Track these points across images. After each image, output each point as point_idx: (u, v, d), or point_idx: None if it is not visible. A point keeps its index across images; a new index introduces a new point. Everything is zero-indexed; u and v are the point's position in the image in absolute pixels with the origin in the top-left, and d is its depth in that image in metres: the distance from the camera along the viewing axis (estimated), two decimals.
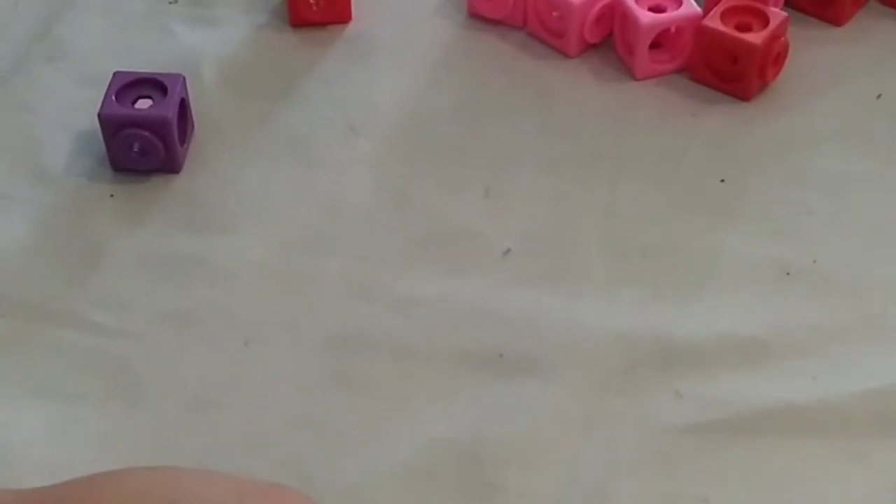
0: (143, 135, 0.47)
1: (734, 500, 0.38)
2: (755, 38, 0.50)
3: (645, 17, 0.51)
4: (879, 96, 0.51)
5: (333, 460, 0.39)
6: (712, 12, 0.51)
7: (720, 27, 0.51)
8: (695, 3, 0.52)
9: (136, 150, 0.48)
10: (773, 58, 0.51)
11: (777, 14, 0.51)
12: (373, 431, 0.40)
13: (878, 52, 0.53)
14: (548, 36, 0.54)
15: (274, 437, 0.40)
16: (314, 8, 0.55)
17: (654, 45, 0.52)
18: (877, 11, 0.55)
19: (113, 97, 0.48)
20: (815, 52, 0.53)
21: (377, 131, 0.50)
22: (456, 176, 0.49)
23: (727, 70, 0.51)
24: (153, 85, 0.49)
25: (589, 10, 0.52)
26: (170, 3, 0.56)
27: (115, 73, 0.49)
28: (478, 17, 0.55)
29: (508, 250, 0.46)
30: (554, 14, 0.54)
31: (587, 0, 0.52)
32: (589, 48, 0.54)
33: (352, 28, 0.55)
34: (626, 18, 0.52)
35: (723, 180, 0.48)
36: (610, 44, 0.54)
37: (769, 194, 0.47)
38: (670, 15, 0.51)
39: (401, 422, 0.40)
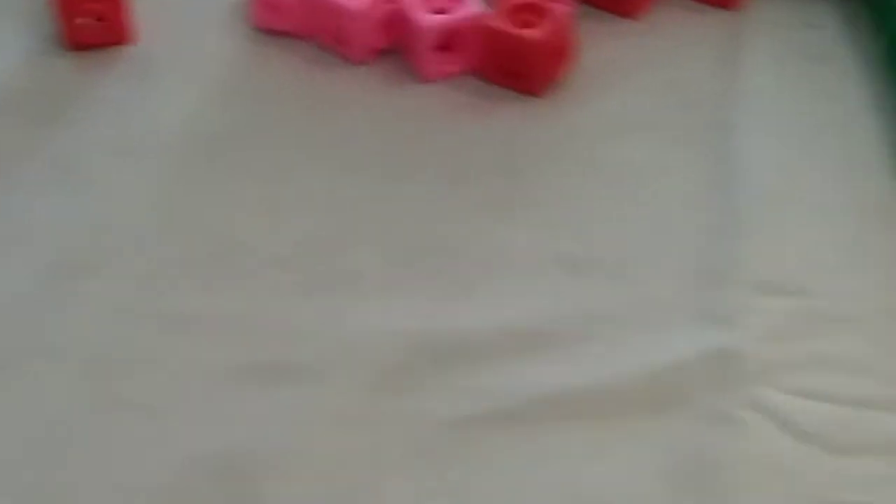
0: None
1: (502, 487, 0.36)
2: (537, 34, 0.49)
3: (425, 19, 0.50)
4: (669, 86, 0.50)
5: (90, 485, 0.36)
6: (494, 11, 0.50)
7: (502, 26, 0.50)
8: (479, 4, 0.51)
9: None
10: (557, 53, 0.50)
11: (559, 9, 0.50)
12: (132, 453, 0.37)
13: (670, 44, 0.52)
14: (334, 45, 0.53)
15: (26, 464, 0.37)
16: (89, 30, 0.52)
17: (442, 48, 0.51)
18: (673, 4, 0.54)
19: None
20: (607, 47, 0.52)
21: (156, 151, 0.48)
22: (235, 190, 0.46)
23: (514, 68, 0.50)
24: None
25: (370, 16, 0.51)
26: None
27: None
28: (265, 30, 0.54)
29: (283, 260, 0.44)
30: (337, 22, 0.52)
31: (367, 6, 0.51)
32: (378, 54, 0.53)
33: (133, 49, 0.53)
34: (409, 22, 0.51)
35: (511, 177, 0.47)
36: (401, 48, 0.53)
37: (555, 186, 0.46)
38: (451, 16, 0.50)
39: (162, 441, 0.38)
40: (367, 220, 0.45)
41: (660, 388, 0.39)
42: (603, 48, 0.52)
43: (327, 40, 0.53)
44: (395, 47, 0.52)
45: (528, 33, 0.49)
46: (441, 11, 0.51)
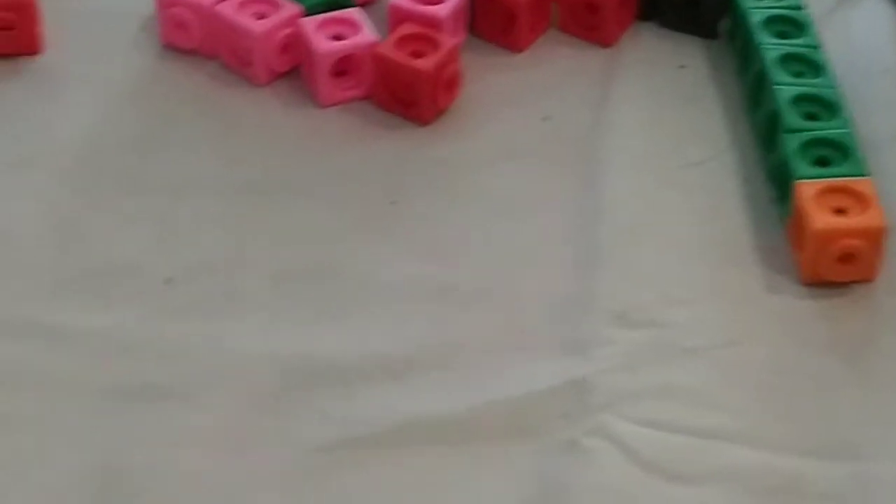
0: None
1: None
2: (425, 63, 0.52)
3: (322, 44, 0.52)
4: (545, 119, 0.53)
5: None
6: (387, 40, 0.53)
7: (392, 54, 0.52)
8: (372, 31, 0.54)
9: None
10: (444, 83, 0.53)
11: (448, 41, 0.53)
12: (6, 468, 0.40)
13: (551, 78, 0.55)
14: (238, 65, 0.55)
15: None
16: None
17: (340, 73, 0.54)
18: (556, 39, 0.57)
19: None
20: (491, 79, 0.55)
21: (52, 164, 0.50)
22: (129, 206, 0.49)
23: (403, 96, 0.53)
24: None
25: (272, 39, 0.53)
26: None
27: None
28: (172, 48, 0.56)
29: (170, 279, 0.46)
30: (240, 43, 0.55)
31: (270, 29, 0.53)
32: (279, 77, 0.55)
33: (40, 60, 0.55)
34: (307, 47, 0.53)
35: (393, 202, 0.50)
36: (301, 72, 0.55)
37: (435, 215, 0.49)
38: (346, 43, 0.53)
39: (39, 458, 0.40)
40: (256, 241, 0.48)
41: (515, 417, 0.41)
42: (486, 80, 0.55)
43: (231, 60, 0.55)
44: (297, 70, 0.55)
45: (419, 63, 0.52)
46: (339, 37, 0.53)
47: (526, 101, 0.54)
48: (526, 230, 0.48)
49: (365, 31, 0.53)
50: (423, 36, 0.53)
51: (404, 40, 0.53)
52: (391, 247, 0.48)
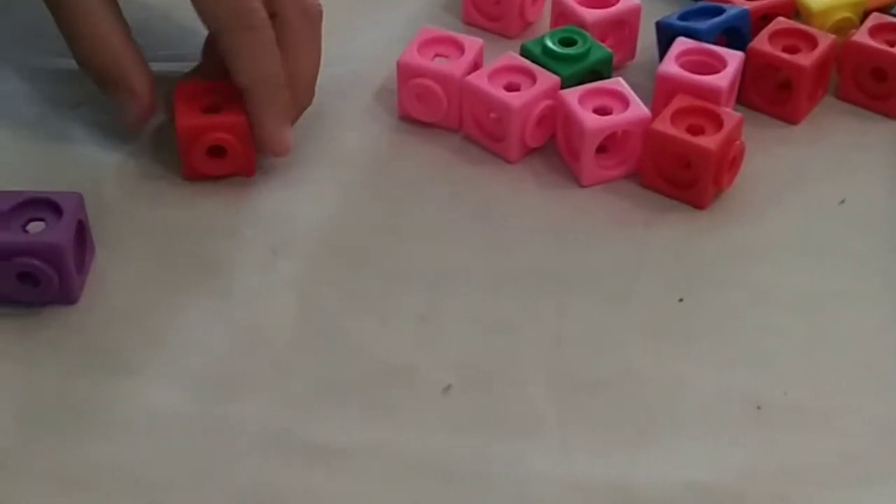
0: (34, 263, 0.42)
1: None
2: (709, 142, 0.46)
3: (590, 120, 0.47)
4: (842, 202, 0.47)
5: None
6: (662, 114, 0.48)
7: (671, 131, 0.47)
8: (642, 105, 0.48)
9: (25, 280, 0.42)
10: (728, 163, 0.47)
11: (732, 115, 0.47)
12: None
13: (838, 153, 0.50)
14: (485, 140, 0.50)
15: None
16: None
17: (601, 149, 0.48)
18: (834, 108, 0.52)
19: None
20: (770, 154, 0.49)
21: (299, 251, 0.46)
22: (387, 300, 0.44)
23: (679, 176, 0.48)
24: (45, 205, 0.43)
25: (530, 113, 0.48)
26: (71, 108, 0.51)
27: None
28: (410, 120, 0.51)
29: (449, 386, 0.41)
30: (492, 116, 0.50)
31: (528, 101, 0.48)
32: (530, 152, 0.50)
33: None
34: (570, 121, 0.48)
35: (681, 299, 0.44)
36: (553, 146, 0.50)
37: (731, 315, 0.43)
38: (617, 118, 0.48)
39: None
40: (533, 344, 0.42)
41: None
42: (765, 156, 0.49)
43: (478, 135, 0.50)
44: (548, 145, 0.50)
45: (702, 141, 0.46)
46: (605, 110, 0.48)
47: (815, 179, 0.48)
48: (841, 334, 0.42)
49: (634, 104, 0.48)
50: (701, 109, 0.48)
51: (680, 114, 0.48)
52: (688, 352, 0.42)
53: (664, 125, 0.47)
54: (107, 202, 0.47)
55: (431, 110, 0.51)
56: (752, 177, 0.48)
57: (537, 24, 0.56)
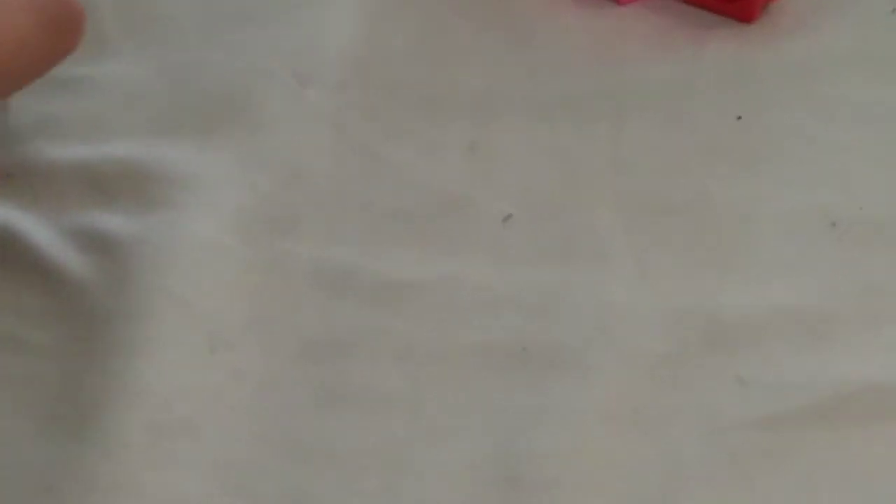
0: None
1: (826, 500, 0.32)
2: None
3: None
4: (894, 10, 0.45)
5: (346, 498, 0.32)
6: None
7: None
8: None
9: None
10: None
11: None
12: (386, 457, 0.33)
13: None
14: None
15: (259, 471, 0.33)
16: None
17: None
18: None
19: None
20: None
21: (328, 80, 0.42)
22: (432, 130, 0.41)
23: None
24: None
25: None
26: None
27: None
28: None
29: (509, 216, 0.38)
30: None
31: None
32: None
33: None
34: None
35: (739, 117, 0.42)
36: None
37: (794, 133, 0.41)
38: None
39: (418, 441, 0.33)
40: (592, 168, 0.40)
41: None
42: None
43: None
44: None
45: None
46: None
47: None
48: None
49: None
50: None
51: None
52: (754, 172, 0.40)
53: None
54: None
55: None
56: None
57: None
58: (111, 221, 0.37)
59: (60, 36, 0.31)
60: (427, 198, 0.39)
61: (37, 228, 0.37)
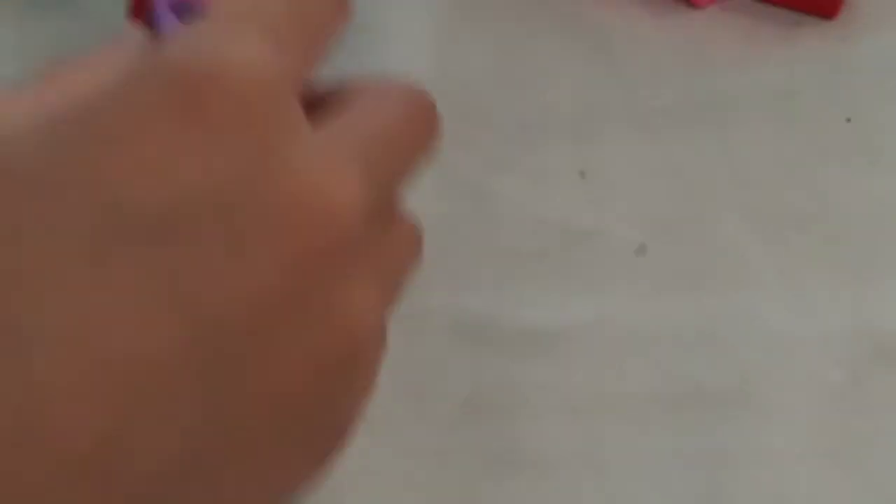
0: None
1: None
2: None
3: None
4: None
5: None
6: None
7: None
8: None
9: None
10: None
11: None
12: None
13: None
14: None
15: None
16: None
17: None
18: None
19: None
20: None
21: None
22: (536, 158, 0.38)
23: None
24: None
25: None
26: None
27: None
28: None
29: (642, 245, 0.36)
30: None
31: None
32: None
33: None
34: None
35: (848, 119, 0.40)
36: None
37: None
38: None
39: (611, 502, 0.30)
40: (711, 183, 0.38)
41: None
42: None
43: None
44: None
45: None
46: None
47: None
48: None
49: None
50: None
51: None
52: (880, 176, 0.38)
53: None
54: None
55: None
56: None
57: None
58: None
59: None
60: (551, 233, 0.36)
61: None
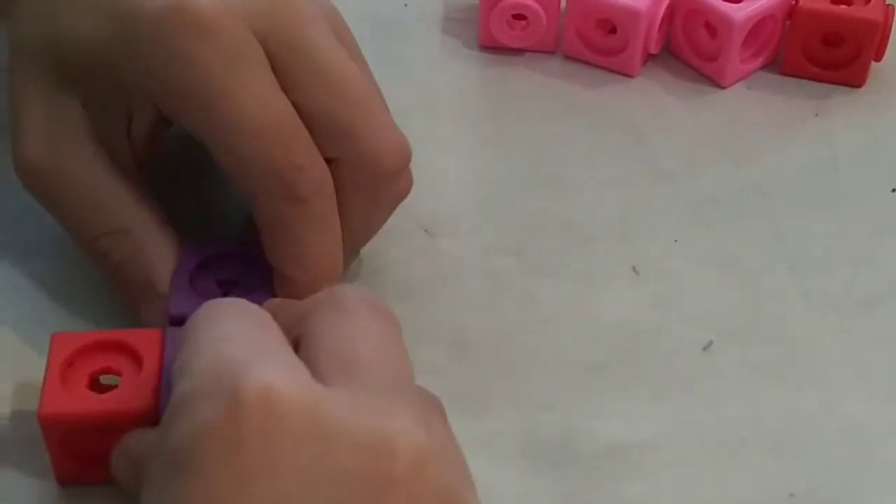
0: None
1: None
2: (869, 12, 0.42)
3: (736, 12, 0.41)
4: None
5: None
6: None
7: (822, 6, 0.42)
8: None
9: None
10: (888, 33, 0.43)
11: None
12: None
13: None
14: (595, 56, 0.44)
15: None
16: None
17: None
18: None
19: None
20: None
21: (455, 226, 0.38)
22: (585, 258, 0.37)
23: (831, 55, 0.43)
24: None
25: (655, 16, 0.42)
26: None
27: None
28: (493, 49, 0.44)
29: (710, 343, 0.35)
30: (608, 27, 0.43)
31: (652, 2, 0.42)
32: (648, 60, 0.44)
33: None
34: (699, 16, 0.42)
35: (894, 189, 0.40)
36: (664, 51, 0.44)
37: None
38: (758, 3, 0.42)
39: None
40: (768, 271, 0.37)
41: None
42: None
43: (584, 52, 0.43)
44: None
45: (860, 12, 0.41)
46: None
47: None
48: None
49: None
50: None
51: None
52: None
53: (812, 2, 0.42)
54: None
55: (526, 34, 0.44)
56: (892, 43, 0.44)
57: None
58: None
59: None
60: (613, 338, 0.35)
61: None
